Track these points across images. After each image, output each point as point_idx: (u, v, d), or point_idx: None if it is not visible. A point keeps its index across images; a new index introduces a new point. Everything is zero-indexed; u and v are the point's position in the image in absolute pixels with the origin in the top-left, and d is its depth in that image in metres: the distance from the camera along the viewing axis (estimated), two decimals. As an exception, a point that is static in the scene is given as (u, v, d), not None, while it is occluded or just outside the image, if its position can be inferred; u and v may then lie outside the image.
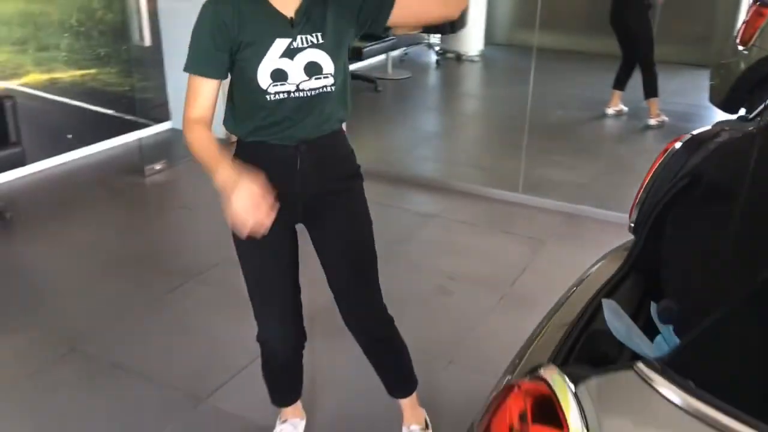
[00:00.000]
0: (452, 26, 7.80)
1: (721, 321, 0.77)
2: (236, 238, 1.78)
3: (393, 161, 4.65)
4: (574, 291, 1.65)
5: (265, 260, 1.81)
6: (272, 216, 1.48)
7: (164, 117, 5.12)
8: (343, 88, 1.71)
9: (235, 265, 1.83)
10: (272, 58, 1.60)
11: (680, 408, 0.73)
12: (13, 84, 4.10)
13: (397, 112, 6.25)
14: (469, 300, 2.97)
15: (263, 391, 2.09)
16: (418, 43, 7.54)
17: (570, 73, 6.66)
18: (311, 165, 1.73)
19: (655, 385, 0.75)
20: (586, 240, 3.37)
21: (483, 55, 7.74)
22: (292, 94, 1.64)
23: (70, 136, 4.45)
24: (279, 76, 1.61)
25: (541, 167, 4.29)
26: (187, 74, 1.63)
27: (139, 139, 4.51)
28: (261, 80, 1.61)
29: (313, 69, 1.63)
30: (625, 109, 5.49)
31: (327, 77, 1.64)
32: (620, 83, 5.40)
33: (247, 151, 1.73)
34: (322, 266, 1.87)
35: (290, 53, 1.61)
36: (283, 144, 1.70)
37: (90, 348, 2.62)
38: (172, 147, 4.93)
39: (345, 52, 1.70)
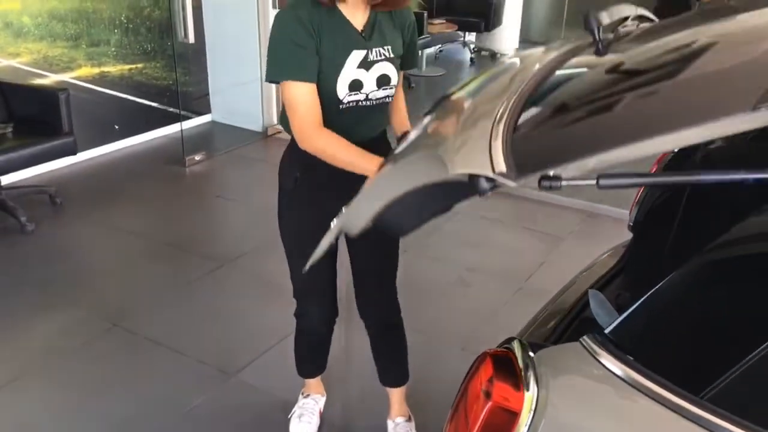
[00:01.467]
0: (486, 25, 7.88)
1: (654, 297, 0.91)
2: (283, 224, 1.93)
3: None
4: (574, 282, 1.79)
5: (311, 246, 1.94)
6: None
7: (205, 110, 5.35)
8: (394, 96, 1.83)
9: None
10: (350, 70, 1.67)
11: (619, 377, 0.87)
12: (65, 77, 4.36)
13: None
14: (486, 291, 3.11)
15: (288, 369, 2.27)
16: (453, 41, 7.66)
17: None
18: None
19: (598, 357, 0.89)
20: (603, 238, 3.42)
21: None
22: (361, 103, 1.73)
23: (117, 126, 4.71)
24: (356, 86, 1.69)
25: (566, 166, 4.37)
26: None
27: (181, 131, 4.74)
28: (339, 91, 1.67)
29: (383, 80, 1.73)
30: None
31: (392, 88, 1.76)
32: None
33: (304, 151, 1.77)
34: (350, 255, 2.00)
35: (366, 65, 1.69)
36: None
37: (130, 324, 2.84)
38: (211, 139, 5.17)
39: (399, 62, 1.82)
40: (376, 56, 1.71)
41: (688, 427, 0.79)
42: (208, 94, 5.32)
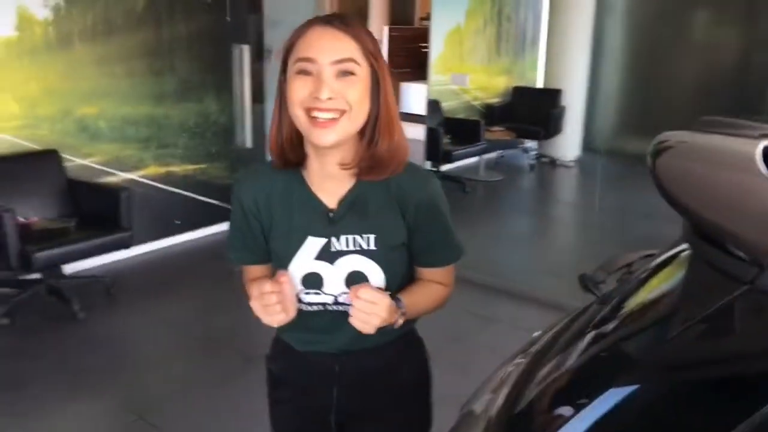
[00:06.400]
0: (546, 133, 7.99)
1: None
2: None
3: (466, 262, 4.80)
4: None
5: None
6: (291, 309, 1.24)
7: (263, 208, 5.59)
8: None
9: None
10: (305, 260, 1.29)
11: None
12: (133, 175, 4.71)
13: (481, 214, 6.42)
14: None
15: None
16: (514, 147, 7.77)
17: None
18: (355, 380, 1.40)
19: None
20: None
21: (579, 160, 7.82)
22: (328, 307, 1.32)
23: (178, 222, 4.99)
24: (313, 282, 1.30)
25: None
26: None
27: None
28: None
29: (356, 281, 1.27)
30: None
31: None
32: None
33: (281, 351, 1.47)
34: None
35: (329, 256, 1.28)
36: (319, 352, 1.39)
37: (156, 419, 2.91)
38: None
39: (403, 254, 1.34)
40: (346, 245, 1.28)
41: None
42: (266, 193, 5.57)
